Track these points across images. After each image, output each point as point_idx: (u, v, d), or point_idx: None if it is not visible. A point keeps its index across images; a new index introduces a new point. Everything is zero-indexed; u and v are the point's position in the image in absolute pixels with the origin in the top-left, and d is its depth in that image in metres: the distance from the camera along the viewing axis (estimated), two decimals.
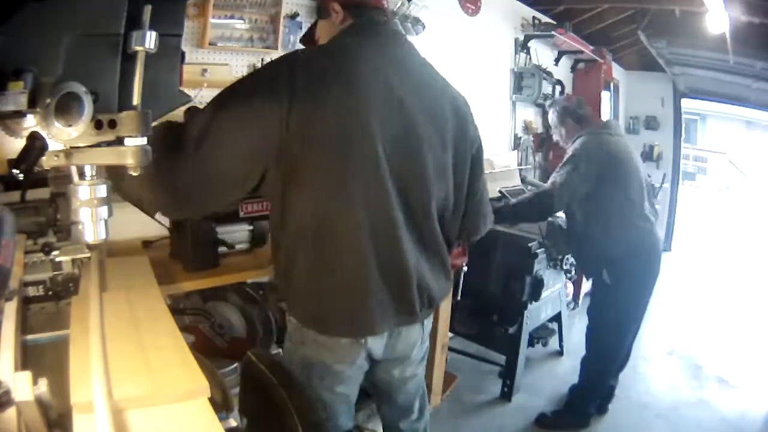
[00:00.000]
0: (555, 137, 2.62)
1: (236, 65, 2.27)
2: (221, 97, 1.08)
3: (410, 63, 1.21)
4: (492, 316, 2.70)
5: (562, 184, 2.22)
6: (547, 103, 2.59)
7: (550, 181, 2.29)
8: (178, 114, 2.15)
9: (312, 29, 1.36)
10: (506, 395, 2.69)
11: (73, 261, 1.19)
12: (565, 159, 2.29)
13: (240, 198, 1.11)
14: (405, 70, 1.17)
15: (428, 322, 1.35)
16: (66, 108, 0.68)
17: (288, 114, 1.02)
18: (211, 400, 0.79)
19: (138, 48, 0.69)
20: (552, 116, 2.54)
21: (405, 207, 1.14)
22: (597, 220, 2.24)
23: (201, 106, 2.17)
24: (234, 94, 1.06)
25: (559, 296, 3.06)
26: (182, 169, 1.04)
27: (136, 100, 0.70)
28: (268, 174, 1.07)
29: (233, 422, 0.95)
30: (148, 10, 0.70)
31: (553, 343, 3.21)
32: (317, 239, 1.10)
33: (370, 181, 1.09)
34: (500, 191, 3.21)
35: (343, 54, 1.14)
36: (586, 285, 3.74)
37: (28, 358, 0.90)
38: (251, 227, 1.83)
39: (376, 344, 1.21)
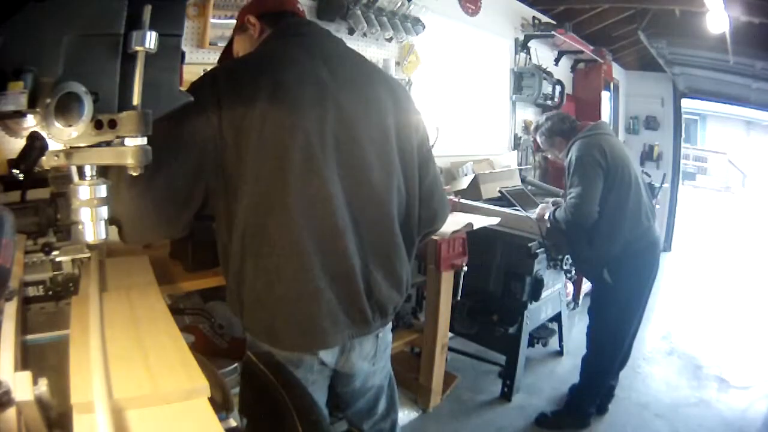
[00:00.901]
0: (550, 157, 2.66)
1: None
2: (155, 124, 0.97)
3: (340, 57, 1.17)
4: (492, 316, 2.70)
5: (584, 197, 2.21)
6: (535, 133, 2.62)
7: (570, 198, 2.26)
8: None
9: (229, 47, 1.32)
10: (506, 395, 2.68)
11: (73, 261, 1.20)
12: (571, 169, 2.28)
13: (189, 219, 1.07)
14: (336, 64, 1.13)
15: (384, 335, 1.28)
16: (66, 108, 0.68)
17: (219, 128, 1.00)
18: (211, 400, 0.79)
19: (138, 48, 0.69)
20: (540, 141, 2.57)
21: (351, 209, 1.09)
22: (600, 220, 2.24)
23: None
24: (166, 118, 0.91)
25: (559, 296, 3.06)
26: (128, 197, 0.98)
27: (136, 100, 0.70)
28: (210, 191, 1.05)
29: (233, 422, 0.95)
30: (148, 10, 0.70)
31: (553, 343, 3.20)
32: (260, 250, 1.05)
33: (309, 185, 1.04)
34: (500, 191, 3.21)
35: (266, 59, 1.10)
36: (586, 285, 3.74)
37: (28, 358, 0.90)
38: None
39: (328, 356, 1.17)
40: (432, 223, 1.33)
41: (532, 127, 2.75)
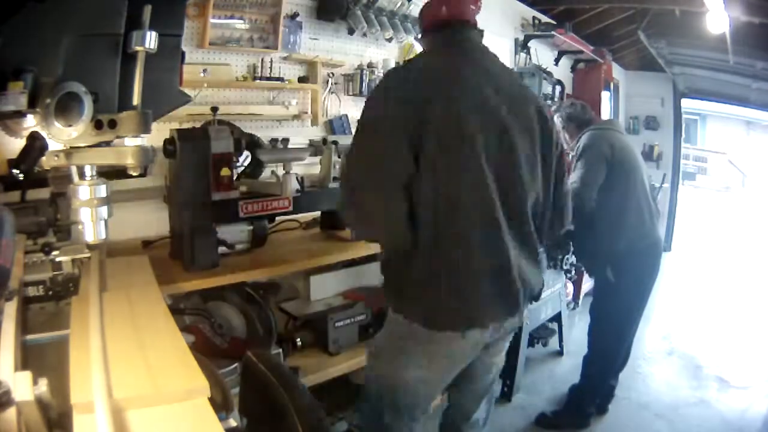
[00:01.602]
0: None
1: (236, 65, 2.27)
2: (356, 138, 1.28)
3: (499, 73, 1.33)
4: None
5: (584, 181, 2.23)
6: (553, 107, 2.61)
7: (570, 182, 2.27)
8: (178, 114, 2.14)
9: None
10: (506, 395, 2.68)
11: (73, 261, 1.19)
12: (577, 154, 2.31)
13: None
14: (496, 80, 1.28)
15: (527, 313, 1.45)
16: (66, 108, 0.68)
17: (407, 132, 1.17)
18: (211, 400, 0.79)
19: (138, 48, 0.69)
20: (557, 121, 2.56)
21: (504, 207, 1.25)
22: (603, 213, 2.24)
23: (204, 107, 2.15)
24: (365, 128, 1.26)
25: (559, 296, 3.06)
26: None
27: (136, 100, 0.70)
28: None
29: (233, 422, 0.95)
30: (148, 10, 0.70)
31: (553, 343, 3.21)
32: (432, 245, 1.21)
33: (475, 183, 1.21)
34: None
35: (435, 70, 1.27)
36: (587, 285, 3.74)
37: (28, 358, 0.90)
38: (251, 227, 1.83)
39: (484, 335, 1.31)
40: (559, 226, 1.50)
41: (554, 107, 2.73)
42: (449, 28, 1.35)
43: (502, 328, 1.36)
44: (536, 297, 1.41)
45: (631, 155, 2.33)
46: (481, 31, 1.42)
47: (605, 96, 5.02)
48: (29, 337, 0.97)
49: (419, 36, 1.46)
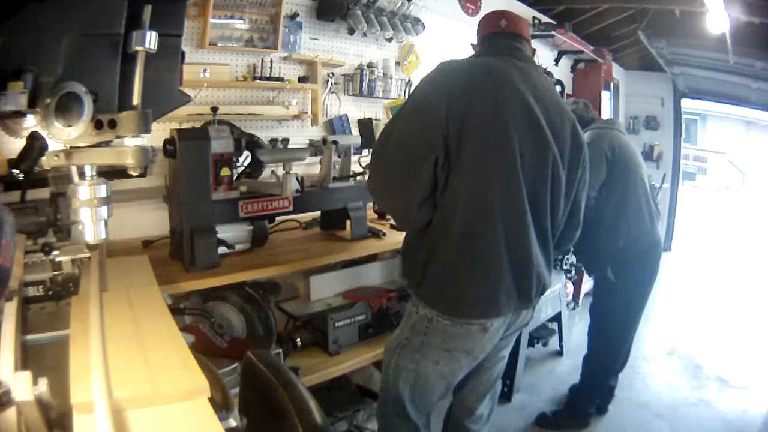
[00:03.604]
0: None
1: (236, 65, 2.27)
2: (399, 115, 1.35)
3: (543, 85, 1.40)
4: None
5: None
6: None
7: None
8: (178, 114, 2.14)
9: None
10: (506, 395, 2.68)
11: (73, 261, 1.19)
12: None
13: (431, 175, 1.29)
14: (539, 90, 1.35)
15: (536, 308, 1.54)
16: (66, 108, 0.68)
17: (447, 120, 1.23)
18: (211, 400, 0.79)
19: (138, 48, 0.69)
20: None
21: (532, 207, 1.33)
22: (603, 213, 2.24)
23: (204, 107, 2.15)
24: (406, 113, 1.34)
25: (559, 296, 3.06)
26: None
27: (136, 100, 0.70)
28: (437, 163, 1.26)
29: (233, 422, 0.95)
30: (148, 10, 0.70)
31: (553, 343, 3.20)
32: (460, 235, 1.28)
33: (507, 183, 1.28)
34: None
35: (487, 74, 1.33)
36: (587, 285, 3.74)
37: (28, 358, 0.90)
38: (251, 227, 1.83)
39: (501, 328, 1.40)
40: (566, 241, 1.59)
41: None
42: (505, 38, 1.43)
43: (517, 320, 1.46)
44: (543, 292, 1.48)
45: (631, 155, 2.33)
46: (533, 49, 1.50)
47: (605, 96, 5.02)
48: (29, 337, 0.97)
49: (474, 42, 1.54)
